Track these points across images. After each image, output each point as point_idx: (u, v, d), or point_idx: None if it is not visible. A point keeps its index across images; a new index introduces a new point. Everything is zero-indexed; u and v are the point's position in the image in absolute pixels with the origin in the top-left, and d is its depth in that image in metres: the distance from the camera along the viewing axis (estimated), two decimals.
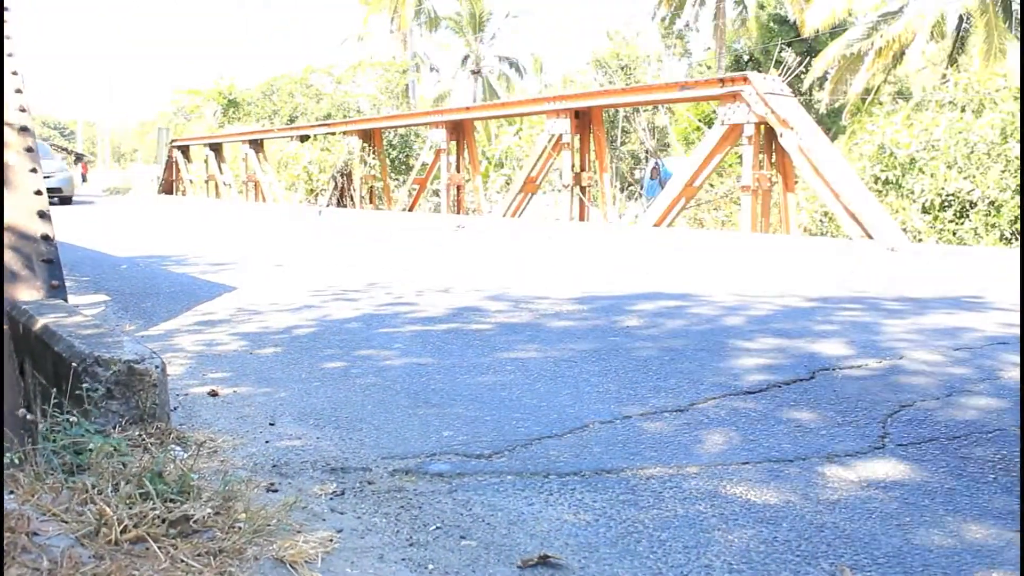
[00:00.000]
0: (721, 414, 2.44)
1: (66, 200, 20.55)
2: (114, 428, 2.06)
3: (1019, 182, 8.20)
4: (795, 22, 29.95)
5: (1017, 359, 3.06)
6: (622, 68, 24.07)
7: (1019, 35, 21.37)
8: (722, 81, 8.73)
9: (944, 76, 11.67)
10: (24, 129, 3.55)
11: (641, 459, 2.07)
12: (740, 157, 9.55)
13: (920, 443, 2.18)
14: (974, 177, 8.57)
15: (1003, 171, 8.36)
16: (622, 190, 20.30)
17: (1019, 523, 1.71)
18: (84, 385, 2.09)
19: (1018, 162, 8.26)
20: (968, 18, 23.60)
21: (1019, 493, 1.86)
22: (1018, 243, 8.09)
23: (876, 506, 1.79)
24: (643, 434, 2.26)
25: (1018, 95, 9.10)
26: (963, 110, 9.91)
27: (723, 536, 1.65)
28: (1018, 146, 8.27)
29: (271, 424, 2.39)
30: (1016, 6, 22.71)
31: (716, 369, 2.98)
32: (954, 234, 8.70)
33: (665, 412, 2.45)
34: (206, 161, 20.83)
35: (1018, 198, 8.16)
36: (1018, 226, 8.19)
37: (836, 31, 25.95)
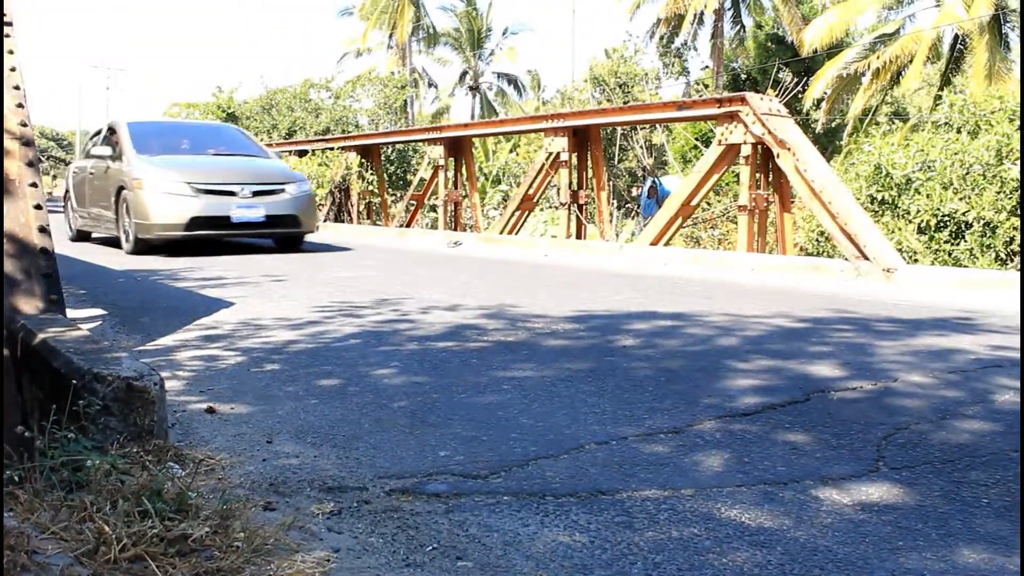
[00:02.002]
0: (716, 436, 2.45)
1: (295, 241, 9.85)
2: (112, 445, 2.07)
3: (1014, 203, 8.25)
4: (792, 42, 30.14)
5: (1010, 382, 3.08)
6: (620, 86, 24.18)
7: (1019, 57, 21.51)
8: (719, 101, 8.78)
9: (939, 97, 11.75)
10: (26, 143, 3.57)
11: (636, 481, 2.08)
12: (737, 176, 9.59)
13: (914, 466, 2.20)
14: (970, 198, 8.62)
15: (998, 192, 8.41)
16: (619, 208, 20.36)
17: (1013, 548, 1.72)
18: (82, 402, 2.10)
19: (1013, 183, 8.31)
20: (964, 40, 23.76)
21: (1013, 518, 1.88)
22: (1012, 264, 8.13)
23: (870, 530, 1.81)
24: (639, 455, 2.27)
25: (1013, 116, 9.16)
26: (959, 131, 9.97)
27: (717, 559, 1.67)
28: (1013, 167, 8.32)
29: (268, 442, 2.40)
30: (1006, 30, 22.88)
31: (711, 390, 2.99)
32: (949, 254, 8.74)
33: (660, 433, 2.47)
34: None
35: (1013, 219, 8.20)
36: (1013, 247, 8.23)
37: (833, 51, 26.12)
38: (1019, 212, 8.05)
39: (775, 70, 28.54)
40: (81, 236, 11.25)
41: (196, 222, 8.77)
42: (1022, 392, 2.89)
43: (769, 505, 1.94)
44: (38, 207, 3.43)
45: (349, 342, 3.92)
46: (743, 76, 33.20)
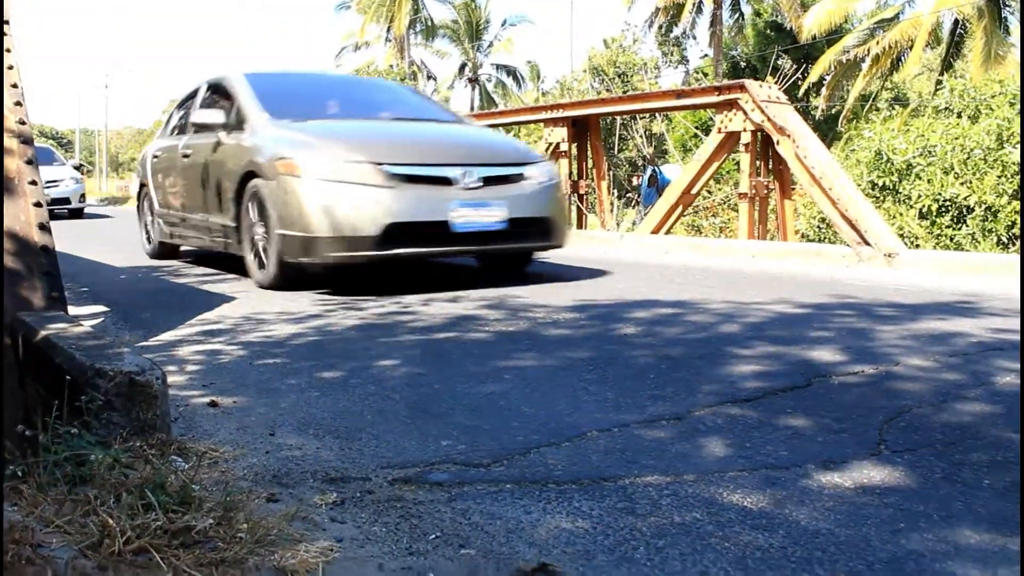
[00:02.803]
0: (718, 422, 2.45)
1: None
2: (115, 440, 2.08)
3: (1015, 187, 8.24)
4: (791, 29, 30.07)
5: (1011, 365, 3.08)
6: (619, 76, 24.14)
7: (1019, 40, 21.45)
8: (718, 89, 8.77)
9: (939, 82, 11.73)
10: (25, 141, 3.57)
11: (639, 467, 2.09)
12: (737, 164, 9.58)
13: (916, 449, 2.20)
14: (971, 183, 8.61)
15: (1000, 176, 8.40)
16: (620, 197, 20.35)
17: (1015, 528, 1.73)
18: (84, 397, 2.10)
19: (1014, 167, 8.30)
20: (963, 24, 23.70)
21: (1015, 498, 1.88)
22: (1014, 248, 8.12)
23: (872, 512, 1.81)
24: (641, 442, 2.28)
25: (1013, 100, 9.15)
26: (959, 116, 9.96)
27: (719, 543, 1.67)
28: (1014, 151, 8.31)
29: (271, 434, 2.41)
30: (1006, 14, 22.82)
31: (713, 377, 3.00)
32: (951, 239, 8.73)
33: (662, 420, 2.47)
34: None
35: (1015, 203, 8.20)
36: (1015, 231, 8.23)
37: (832, 38, 26.06)
38: (1020, 196, 8.04)
39: (774, 57, 28.49)
40: (166, 251, 7.86)
41: (395, 232, 5.05)
42: (1022, 379, 2.89)
43: (771, 489, 1.94)
44: (38, 204, 3.44)
45: (351, 334, 3.92)
46: (742, 64, 33.16)
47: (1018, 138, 8.38)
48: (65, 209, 17.62)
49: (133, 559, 1.47)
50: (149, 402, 2.17)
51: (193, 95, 7.39)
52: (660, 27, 33.75)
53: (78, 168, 19.95)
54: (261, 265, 5.56)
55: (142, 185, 8.13)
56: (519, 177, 5.55)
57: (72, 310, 3.72)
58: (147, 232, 8.13)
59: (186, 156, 6.76)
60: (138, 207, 8.40)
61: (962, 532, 1.71)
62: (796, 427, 2.40)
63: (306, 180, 5.11)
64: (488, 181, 5.35)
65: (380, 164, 5.12)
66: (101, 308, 4.87)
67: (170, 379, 2.74)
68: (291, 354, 3.51)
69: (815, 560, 1.60)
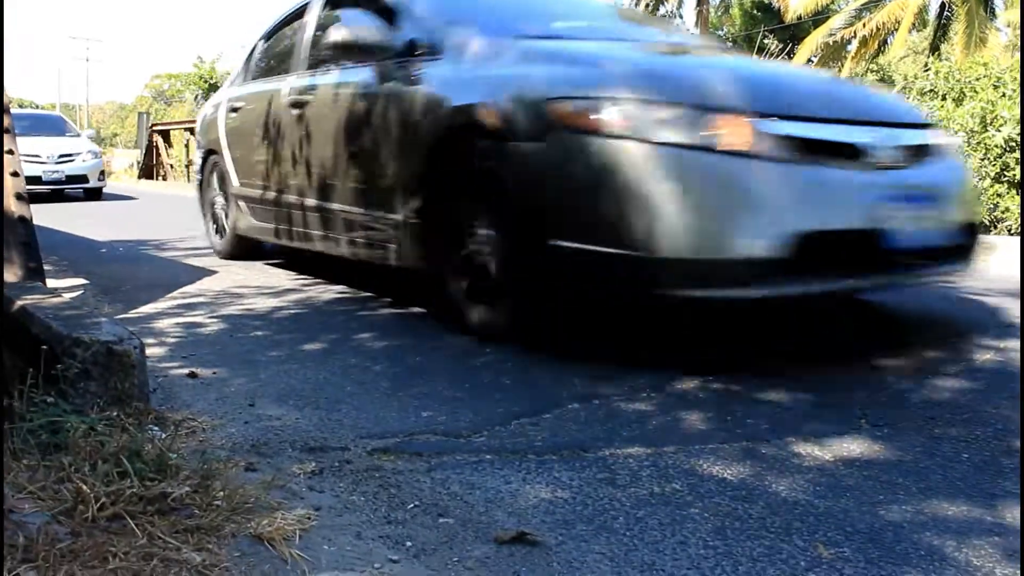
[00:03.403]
0: (700, 395, 2.45)
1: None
2: (92, 409, 2.05)
3: (998, 170, 8.27)
4: (778, 9, 30.00)
5: (990, 342, 3.10)
6: None
7: (1019, 23, 21.45)
8: None
9: (926, 65, 11.75)
10: (2, 110, 3.51)
11: (619, 439, 2.08)
12: None
13: (896, 423, 2.21)
14: None
15: (983, 159, 8.42)
16: None
17: (991, 500, 1.74)
18: (60, 366, 2.08)
19: (997, 150, 8.33)
20: (950, 6, 23.70)
21: (992, 472, 1.89)
22: (996, 232, 8.17)
23: (851, 484, 1.82)
24: (622, 414, 2.27)
25: (997, 83, 9.17)
26: (944, 98, 9.96)
27: (699, 513, 1.67)
28: (997, 134, 8.34)
29: (250, 405, 2.39)
30: None
31: (695, 350, 3.00)
32: None
33: (644, 392, 2.47)
34: (187, 145, 20.67)
35: (997, 187, 8.23)
36: (997, 214, 8.26)
37: (819, 18, 26.02)
38: (1020, 181, 8.07)
39: (760, 38, 28.45)
40: (245, 248, 5.54)
41: (811, 246, 2.53)
42: (1022, 362, 2.90)
43: (751, 461, 1.94)
44: (15, 174, 3.39)
45: (331, 308, 3.90)
46: (729, 44, 33.10)
47: (1001, 121, 8.41)
48: (81, 189, 14.33)
49: (107, 525, 1.45)
50: (127, 371, 2.15)
51: (296, 16, 4.99)
52: (647, 5, 33.61)
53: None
54: (477, 295, 3.23)
55: (209, 152, 5.77)
56: (932, 149, 3.13)
57: (51, 282, 3.67)
58: (215, 220, 5.80)
59: (298, 105, 4.41)
60: (200, 184, 6.03)
61: (940, 504, 1.72)
62: (778, 401, 2.40)
63: (629, 142, 2.60)
64: (914, 153, 2.99)
65: (763, 116, 2.65)
66: (81, 281, 4.82)
67: (149, 351, 2.71)
68: (271, 327, 3.49)
69: (793, 530, 1.60)
